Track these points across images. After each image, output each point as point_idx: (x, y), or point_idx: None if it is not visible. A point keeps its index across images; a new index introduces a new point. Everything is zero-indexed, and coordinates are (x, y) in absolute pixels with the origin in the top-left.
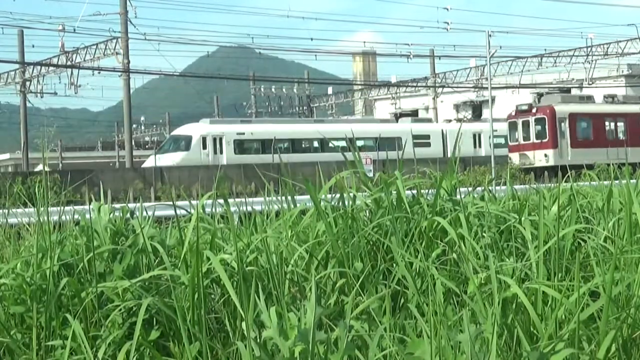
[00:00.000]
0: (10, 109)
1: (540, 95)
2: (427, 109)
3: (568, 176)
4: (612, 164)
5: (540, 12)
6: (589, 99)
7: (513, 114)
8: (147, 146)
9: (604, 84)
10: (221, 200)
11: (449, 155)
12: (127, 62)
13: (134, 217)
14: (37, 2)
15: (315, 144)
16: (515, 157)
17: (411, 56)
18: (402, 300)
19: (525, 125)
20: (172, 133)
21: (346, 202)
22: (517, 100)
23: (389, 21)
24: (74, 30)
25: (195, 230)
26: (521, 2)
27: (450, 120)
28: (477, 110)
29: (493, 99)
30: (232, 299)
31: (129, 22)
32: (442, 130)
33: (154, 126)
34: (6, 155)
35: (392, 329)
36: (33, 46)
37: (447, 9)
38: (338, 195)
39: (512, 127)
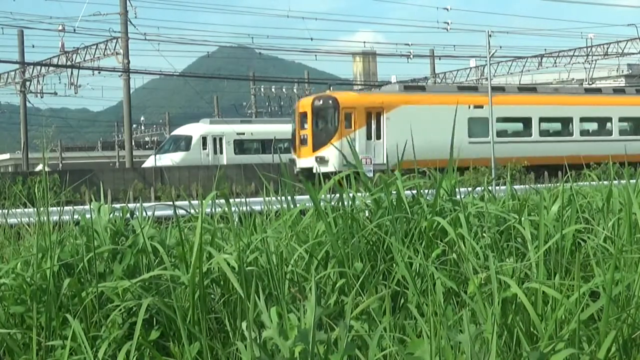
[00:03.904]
0: (10, 109)
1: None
2: None
3: (568, 176)
4: None
5: (540, 12)
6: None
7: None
8: (147, 146)
9: (604, 84)
10: (221, 200)
11: None
12: (127, 62)
13: (134, 217)
14: (37, 2)
15: None
16: None
17: (411, 56)
18: (402, 301)
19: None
20: (172, 133)
21: (346, 203)
22: None
23: (389, 21)
24: (74, 30)
25: (196, 230)
26: (521, 2)
27: None
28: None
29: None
30: (231, 299)
31: (129, 22)
32: None
33: (154, 126)
34: (6, 155)
35: (392, 329)
36: (33, 46)
37: (447, 9)
38: (338, 195)
39: None
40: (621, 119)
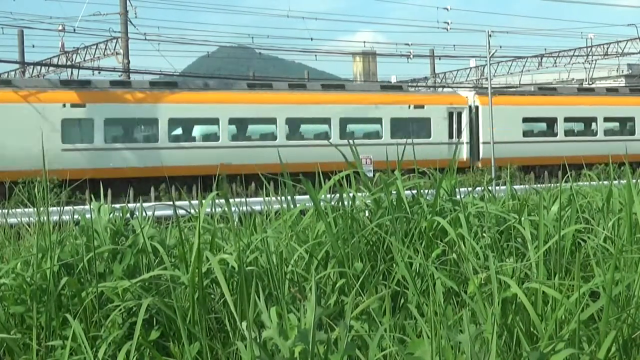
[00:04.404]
0: None
1: None
2: None
3: (568, 176)
4: None
5: (540, 12)
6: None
7: None
8: None
9: (604, 84)
10: (221, 200)
11: None
12: (127, 62)
13: (133, 217)
14: (37, 2)
15: None
16: None
17: (411, 56)
18: (402, 301)
19: None
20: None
21: (346, 203)
22: None
23: (389, 21)
24: (74, 30)
25: (195, 230)
26: (521, 2)
27: None
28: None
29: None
30: (232, 299)
31: (129, 22)
32: None
33: None
34: None
35: (392, 329)
36: (33, 46)
37: (447, 9)
38: (338, 195)
39: None
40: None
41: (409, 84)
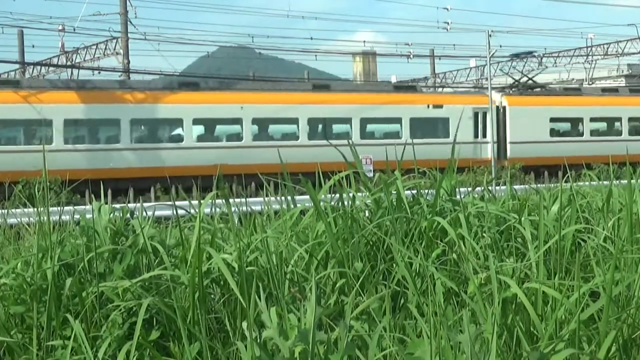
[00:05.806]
0: None
1: None
2: None
3: (568, 176)
4: None
5: (540, 12)
6: None
7: None
8: None
9: (604, 84)
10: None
11: None
12: (127, 62)
13: (134, 217)
14: (37, 2)
15: None
16: None
17: (411, 56)
18: (402, 301)
19: None
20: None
21: (346, 203)
22: None
23: (389, 21)
24: (74, 30)
25: (196, 230)
26: (521, 2)
27: None
28: None
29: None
30: (231, 299)
31: (129, 22)
32: None
33: None
34: None
35: (392, 329)
36: (33, 46)
37: (447, 9)
38: (338, 196)
39: None
40: None
41: None
